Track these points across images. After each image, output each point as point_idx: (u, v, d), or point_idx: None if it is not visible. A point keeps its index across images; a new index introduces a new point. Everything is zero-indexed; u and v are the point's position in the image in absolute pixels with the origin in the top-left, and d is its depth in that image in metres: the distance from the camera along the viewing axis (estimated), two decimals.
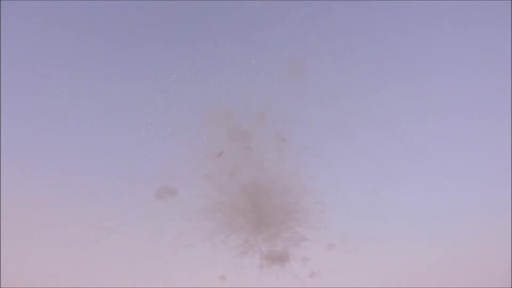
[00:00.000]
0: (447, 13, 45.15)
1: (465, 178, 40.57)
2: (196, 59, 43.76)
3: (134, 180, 41.45)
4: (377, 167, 41.28)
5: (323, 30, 43.81)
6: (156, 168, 41.84)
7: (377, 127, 42.58)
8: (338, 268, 37.95)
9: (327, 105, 41.36)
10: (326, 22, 44.11)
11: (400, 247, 38.88)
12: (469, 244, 38.60)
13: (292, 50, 42.80)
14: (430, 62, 44.66)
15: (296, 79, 41.47)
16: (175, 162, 41.72)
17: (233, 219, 40.45)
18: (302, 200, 40.11)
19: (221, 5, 44.91)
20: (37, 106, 43.82)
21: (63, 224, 40.08)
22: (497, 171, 39.18)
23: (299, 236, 38.99)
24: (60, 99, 44.49)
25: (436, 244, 38.76)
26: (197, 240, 39.85)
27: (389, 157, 41.71)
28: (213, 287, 38.14)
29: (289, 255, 38.68)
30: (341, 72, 43.10)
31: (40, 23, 45.52)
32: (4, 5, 43.52)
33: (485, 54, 44.11)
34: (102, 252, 39.40)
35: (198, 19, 45.51)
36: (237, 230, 40.18)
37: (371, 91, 43.31)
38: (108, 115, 44.72)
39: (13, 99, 43.10)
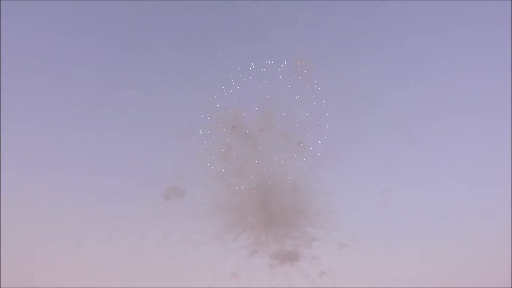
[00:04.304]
0: (448, 14, 45.68)
1: (472, 179, 41.55)
2: (204, 60, 43.94)
3: (143, 181, 41.78)
4: (387, 167, 41.98)
5: (331, 31, 44.01)
6: (165, 168, 42.29)
7: (387, 128, 43.17)
8: (349, 268, 38.86)
9: (336, 106, 41.74)
10: (334, 23, 44.32)
11: (409, 246, 39.81)
12: (469, 244, 39.81)
13: (300, 51, 43.04)
14: (436, 63, 45.24)
15: (304, 80, 41.81)
16: (183, 163, 42.13)
17: (242, 219, 41.09)
18: (312, 200, 40.83)
19: (228, 6, 44.81)
20: (43, 108, 43.70)
21: (73, 224, 40.46)
22: (500, 172, 40.42)
23: (309, 236, 39.87)
24: (68, 101, 44.36)
25: (442, 245, 39.94)
26: (206, 240, 40.58)
27: (398, 157, 42.39)
28: (224, 287, 39.01)
29: (299, 255, 39.52)
30: (349, 73, 43.46)
31: (40, 23, 44.84)
32: (4, 5, 42.74)
33: (485, 54, 44.92)
34: (112, 252, 39.80)
35: (206, 21, 45.33)
36: (247, 229, 40.86)
37: (380, 92, 43.76)
38: (116, 117, 44.75)
39: (16, 99, 42.86)
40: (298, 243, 39.99)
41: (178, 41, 45.46)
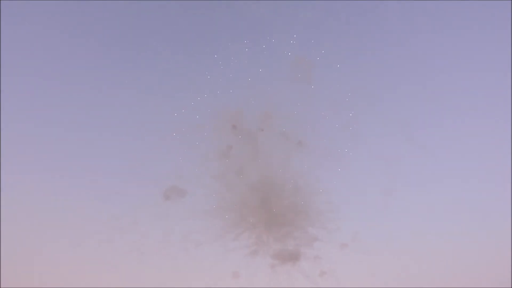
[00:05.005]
0: (448, 14, 45.74)
1: (472, 179, 41.61)
2: (204, 60, 43.96)
3: (143, 181, 41.82)
4: (387, 167, 42.04)
5: (331, 31, 44.04)
6: (165, 168, 42.31)
7: (387, 128, 43.28)
8: (350, 268, 38.91)
9: (337, 106, 41.84)
10: (334, 23, 44.33)
11: (410, 246, 39.86)
12: (469, 244, 39.75)
13: (301, 51, 43.07)
14: (436, 63, 45.23)
15: (305, 80, 41.90)
16: (183, 163, 42.15)
17: (243, 218, 41.09)
18: (312, 200, 40.85)
19: (228, 6, 44.80)
20: (43, 108, 43.55)
21: (73, 224, 40.43)
22: (500, 172, 40.53)
23: (310, 236, 39.82)
24: (68, 101, 44.22)
25: (443, 245, 39.91)
26: (207, 239, 40.56)
27: (399, 157, 42.45)
28: (224, 287, 39.02)
29: (300, 255, 39.54)
30: (349, 73, 43.51)
31: (40, 23, 44.79)
32: (4, 5, 42.71)
33: (485, 54, 45.00)
34: (112, 252, 39.79)
35: (206, 20, 45.34)
36: (247, 229, 40.85)
37: (380, 92, 43.85)
38: (116, 117, 44.61)
39: (16, 99, 42.80)
40: (299, 243, 40.15)
41: (178, 41, 45.59)
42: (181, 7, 45.83)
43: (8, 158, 40.28)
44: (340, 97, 42.64)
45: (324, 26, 44.07)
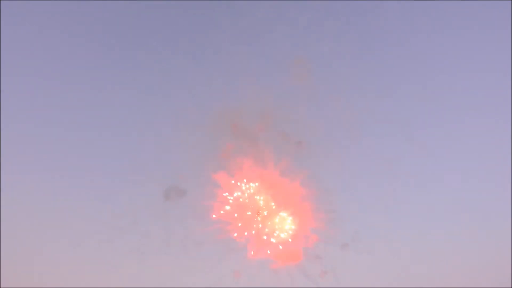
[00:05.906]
0: (448, 14, 45.87)
1: (472, 179, 41.89)
2: (204, 60, 44.06)
3: (143, 181, 41.78)
4: (388, 167, 41.89)
5: (331, 31, 44.09)
6: (165, 168, 42.32)
7: (387, 128, 43.35)
8: (350, 267, 38.93)
9: (336, 106, 41.86)
10: (334, 23, 44.41)
11: (410, 246, 39.98)
12: (469, 244, 40.01)
13: (300, 51, 43.15)
14: (436, 63, 45.52)
15: (304, 80, 41.90)
16: (183, 163, 42.11)
17: (244, 218, 41.10)
18: (313, 200, 40.72)
19: (228, 6, 44.94)
20: (43, 108, 43.89)
21: (73, 224, 40.55)
22: (500, 172, 40.62)
23: (311, 236, 39.99)
24: (68, 101, 44.50)
25: (442, 245, 40.14)
26: (207, 239, 40.52)
27: (399, 157, 42.51)
28: (226, 286, 39.00)
29: (301, 254, 39.63)
30: (349, 73, 43.55)
31: (40, 23, 44.96)
32: (4, 5, 42.77)
33: (485, 54, 45.08)
34: (113, 252, 39.73)
35: (206, 21, 45.47)
36: (248, 228, 40.91)
37: (380, 92, 43.94)
38: (116, 117, 44.93)
39: (16, 99, 42.89)
40: (300, 243, 40.15)
41: (178, 41, 45.71)
42: (181, 7, 46.07)
43: (8, 158, 40.34)
44: (340, 97, 42.84)
45: (324, 26, 44.26)
